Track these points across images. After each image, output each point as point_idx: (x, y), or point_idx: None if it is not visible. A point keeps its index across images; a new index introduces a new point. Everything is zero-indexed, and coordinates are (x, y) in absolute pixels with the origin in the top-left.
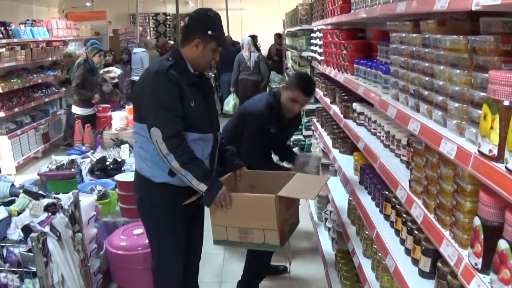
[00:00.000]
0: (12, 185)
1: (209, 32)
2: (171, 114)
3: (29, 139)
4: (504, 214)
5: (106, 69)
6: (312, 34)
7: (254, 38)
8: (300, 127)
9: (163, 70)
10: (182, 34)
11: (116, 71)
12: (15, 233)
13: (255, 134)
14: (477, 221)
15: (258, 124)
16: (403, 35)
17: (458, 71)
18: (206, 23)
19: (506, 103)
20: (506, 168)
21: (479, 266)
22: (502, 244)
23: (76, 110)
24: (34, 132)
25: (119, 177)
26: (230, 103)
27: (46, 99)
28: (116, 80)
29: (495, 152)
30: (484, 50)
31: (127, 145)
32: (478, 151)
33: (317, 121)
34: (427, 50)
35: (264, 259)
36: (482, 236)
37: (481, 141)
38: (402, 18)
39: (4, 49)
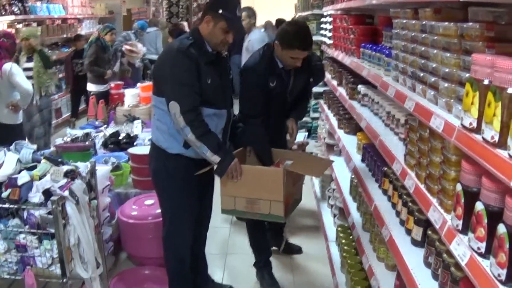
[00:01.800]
0: (34, 151)
1: (220, 11)
2: (189, 90)
3: None
4: (481, 180)
5: (129, 42)
6: (323, 19)
7: (282, 22)
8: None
9: (183, 48)
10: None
11: (139, 47)
12: (36, 196)
13: (250, 91)
14: (459, 187)
15: (253, 78)
16: (404, 21)
17: (448, 54)
18: (218, 2)
19: (485, 82)
20: (483, 138)
21: (460, 227)
22: (479, 206)
23: (91, 87)
24: None
25: (132, 150)
26: None
27: (60, 75)
28: (137, 56)
29: (475, 124)
30: (470, 36)
31: (139, 120)
32: (461, 124)
33: (324, 103)
34: (424, 35)
35: (258, 232)
36: (463, 200)
37: (463, 115)
38: (405, 6)
39: (21, 25)
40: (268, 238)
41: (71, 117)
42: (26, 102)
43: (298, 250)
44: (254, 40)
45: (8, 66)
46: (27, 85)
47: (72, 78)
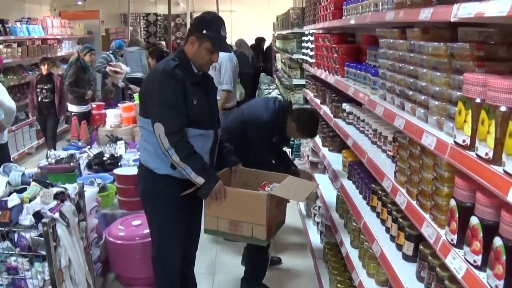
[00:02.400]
0: (23, 174)
1: (204, 32)
2: (174, 111)
3: (23, 135)
4: (475, 195)
5: (112, 63)
6: (304, 38)
7: (262, 40)
8: None
9: (169, 70)
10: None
11: (123, 67)
12: (26, 219)
13: (264, 142)
14: (453, 203)
15: (266, 132)
16: (391, 41)
17: (438, 73)
18: (202, 23)
19: (478, 100)
20: (477, 155)
21: (455, 241)
22: (474, 220)
23: (72, 108)
24: (28, 128)
25: (118, 170)
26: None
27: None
28: (121, 76)
29: (468, 142)
30: (461, 55)
31: (123, 141)
32: (454, 141)
33: None
34: (412, 55)
35: (265, 256)
36: (457, 215)
37: (456, 133)
38: (390, 25)
39: (1, 46)
40: (242, 257)
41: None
42: (10, 120)
43: (277, 261)
44: (222, 58)
45: None
46: (10, 103)
47: (35, 105)
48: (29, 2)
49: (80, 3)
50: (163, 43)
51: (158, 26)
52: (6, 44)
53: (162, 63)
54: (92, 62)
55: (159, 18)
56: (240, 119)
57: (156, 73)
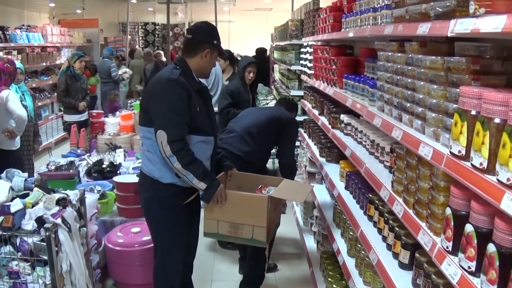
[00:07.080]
0: (26, 179)
1: (215, 42)
2: (179, 119)
3: None
4: (470, 204)
5: (123, 70)
6: (302, 49)
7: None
8: None
9: (175, 77)
10: (187, 45)
11: (128, 71)
12: (29, 224)
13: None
14: (448, 211)
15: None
16: (389, 54)
17: (435, 86)
18: (211, 33)
19: (473, 112)
20: (472, 165)
21: (450, 248)
22: (468, 228)
23: (66, 117)
24: None
25: (118, 178)
26: None
27: (39, 103)
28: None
29: (463, 152)
30: (457, 69)
31: (122, 149)
32: (450, 152)
33: (305, 132)
34: (410, 68)
35: (263, 262)
36: (452, 223)
37: (452, 144)
38: (389, 38)
39: (1, 53)
40: (239, 266)
41: None
42: (21, 128)
43: (273, 267)
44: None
45: (6, 93)
46: (21, 111)
47: None
48: (28, 10)
49: (79, 11)
50: (161, 52)
51: (157, 36)
52: (6, 51)
53: (166, 71)
54: (82, 69)
55: (157, 27)
56: (277, 119)
57: (161, 81)
